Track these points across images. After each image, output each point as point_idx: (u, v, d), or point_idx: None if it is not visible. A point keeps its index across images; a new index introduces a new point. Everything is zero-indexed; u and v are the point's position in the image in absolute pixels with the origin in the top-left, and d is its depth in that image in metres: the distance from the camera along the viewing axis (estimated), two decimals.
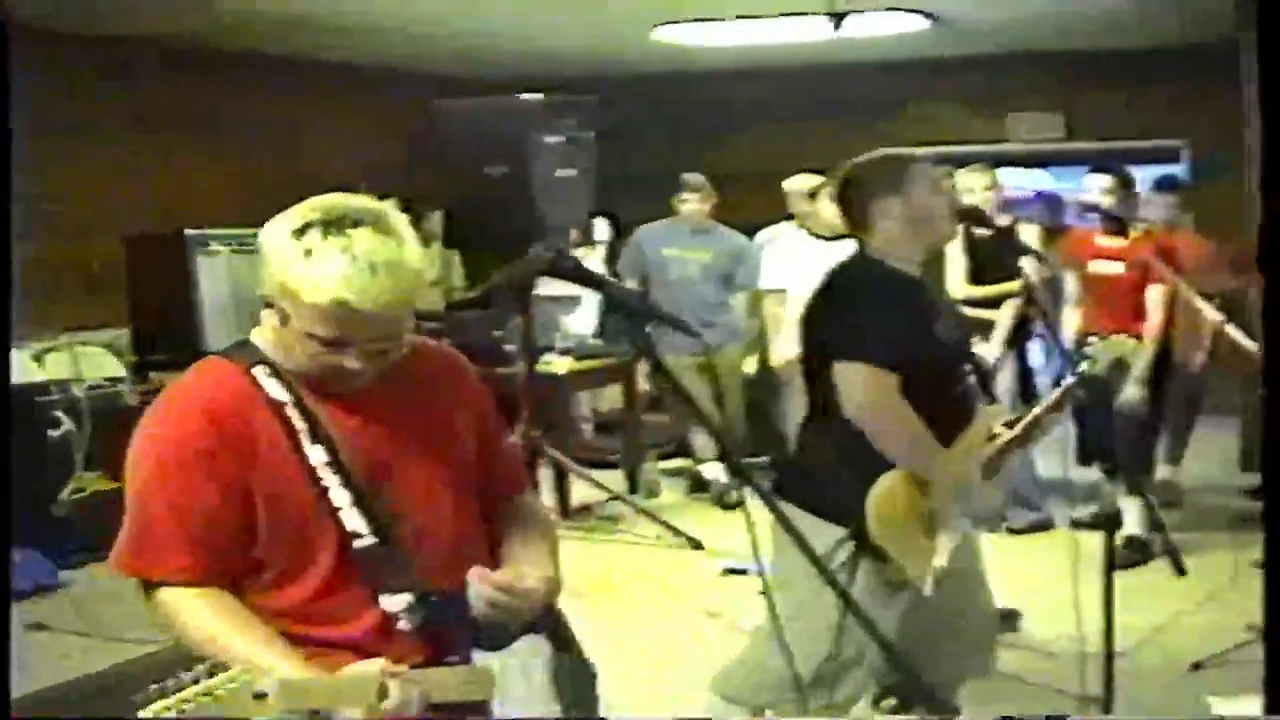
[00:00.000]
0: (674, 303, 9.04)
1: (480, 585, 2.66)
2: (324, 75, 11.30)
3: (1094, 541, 4.18)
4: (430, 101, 7.86)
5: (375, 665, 2.43)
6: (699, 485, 9.45)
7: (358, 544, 2.64)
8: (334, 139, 11.20)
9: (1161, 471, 8.21)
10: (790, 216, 9.67)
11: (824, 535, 3.90)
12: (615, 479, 9.08)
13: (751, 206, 9.89)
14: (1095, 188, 7.74)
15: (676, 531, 8.07)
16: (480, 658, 2.66)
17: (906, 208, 4.11)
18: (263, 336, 2.73)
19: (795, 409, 8.85)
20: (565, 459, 8.56)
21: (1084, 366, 4.41)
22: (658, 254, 9.11)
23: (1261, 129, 2.36)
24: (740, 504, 8.79)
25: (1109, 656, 4.05)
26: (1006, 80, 12.06)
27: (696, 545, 7.95)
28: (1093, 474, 7.89)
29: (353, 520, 2.64)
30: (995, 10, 9.76)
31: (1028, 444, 4.40)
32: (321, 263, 2.52)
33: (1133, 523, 7.29)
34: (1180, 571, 4.05)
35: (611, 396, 10.22)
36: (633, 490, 9.20)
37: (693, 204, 9.18)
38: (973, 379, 4.26)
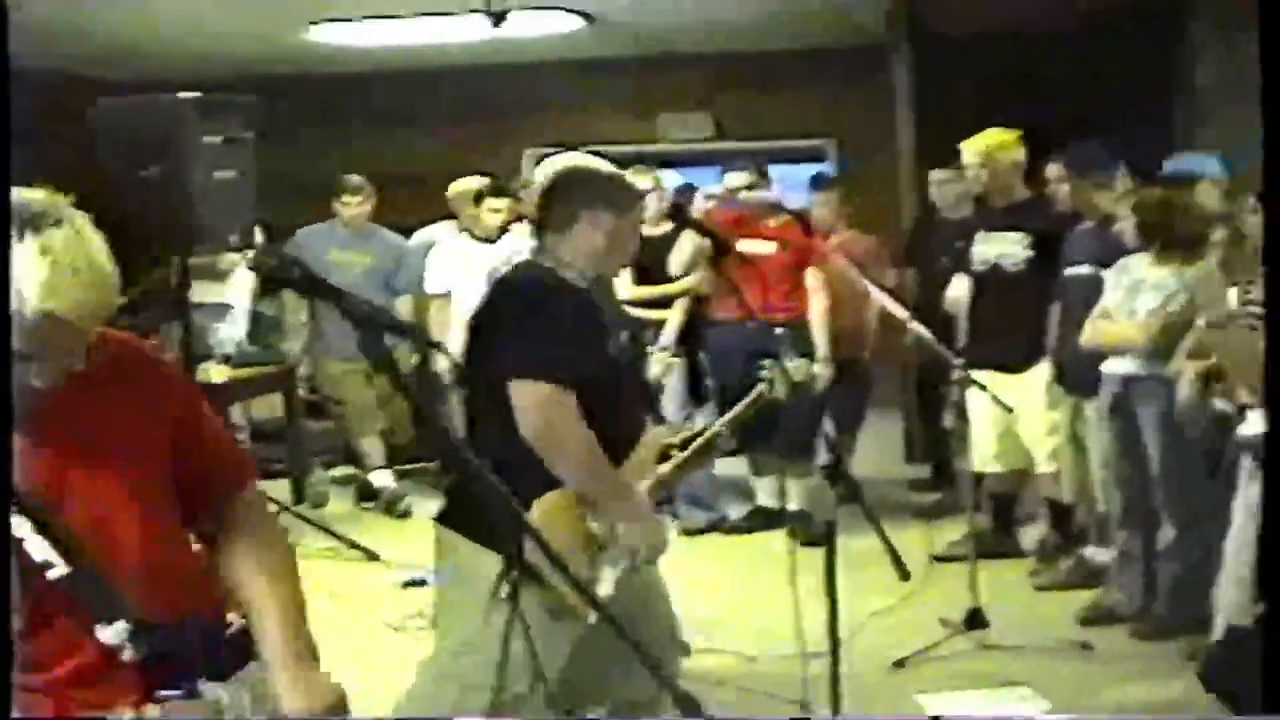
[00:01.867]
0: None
1: None
2: None
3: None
4: (96, 100, 7.39)
5: None
6: (367, 494, 9.23)
7: (51, 574, 2.32)
8: None
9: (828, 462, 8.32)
10: (447, 218, 9.57)
11: (487, 563, 3.60)
12: (279, 490, 8.76)
13: (408, 208, 9.73)
14: (735, 184, 7.94)
15: (352, 544, 7.85)
16: (207, 688, 2.42)
17: (618, 225, 4.00)
18: None
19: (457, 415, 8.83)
20: None
21: (762, 389, 4.37)
22: (319, 258, 8.81)
23: (1263, 129, 2.35)
24: (408, 513, 8.73)
25: (835, 657, 4.02)
26: (657, 81, 12.11)
27: (373, 557, 7.75)
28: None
29: (39, 549, 2.32)
30: (651, 12, 9.81)
31: (702, 463, 4.33)
32: (22, 269, 2.21)
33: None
34: (904, 576, 4.04)
35: (266, 404, 9.91)
36: (299, 500, 8.89)
37: (353, 206, 8.95)
38: (642, 397, 4.19)
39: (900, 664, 5.77)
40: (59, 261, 2.22)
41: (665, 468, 4.14)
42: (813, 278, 7.86)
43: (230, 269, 8.96)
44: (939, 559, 6.83)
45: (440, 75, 11.96)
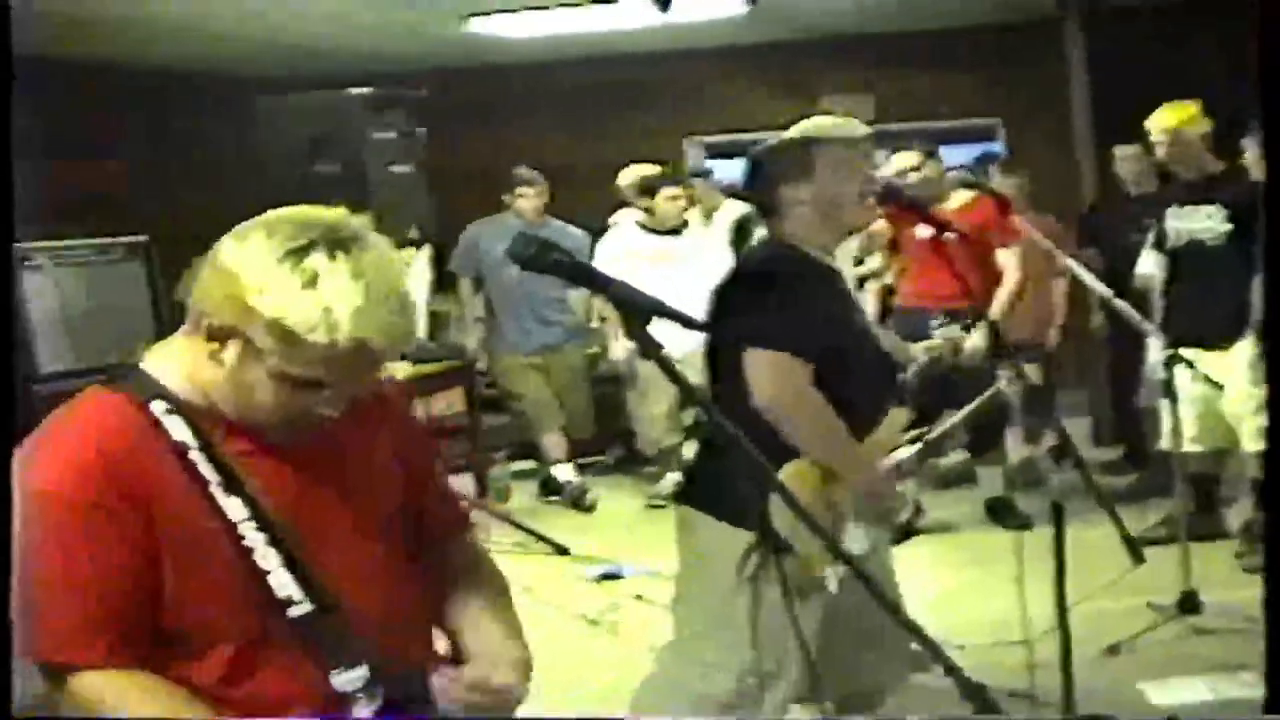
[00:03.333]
0: (511, 302, 8.85)
1: (450, 688, 2.37)
2: (138, 81, 10.76)
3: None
4: (253, 99, 7.43)
5: None
6: (550, 488, 9.21)
7: (293, 611, 2.25)
8: (153, 145, 10.70)
9: (1020, 450, 8.18)
10: (620, 207, 9.54)
11: (733, 542, 3.69)
12: (463, 484, 8.77)
13: (578, 201, 9.70)
14: (905, 165, 7.69)
15: (540, 537, 7.82)
16: None
17: (816, 192, 3.89)
18: (165, 364, 2.30)
19: (642, 403, 8.78)
20: None
21: (999, 386, 4.29)
22: (493, 251, 8.81)
23: (1262, 124, 2.24)
24: (594, 506, 8.72)
25: (1066, 647, 3.88)
26: (818, 64, 11.96)
27: (562, 550, 7.73)
28: None
29: (284, 584, 2.24)
30: None
31: (940, 453, 4.23)
32: (333, 294, 2.11)
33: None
34: (1138, 560, 3.91)
35: (442, 400, 9.95)
36: (481, 495, 8.90)
37: (528, 199, 8.94)
38: (886, 378, 4.08)
39: (1114, 650, 5.62)
40: (373, 288, 2.15)
41: (901, 454, 4.05)
42: (1009, 257, 7.63)
43: (406, 263, 8.98)
44: (1140, 542, 6.62)
45: (597, 62, 11.89)
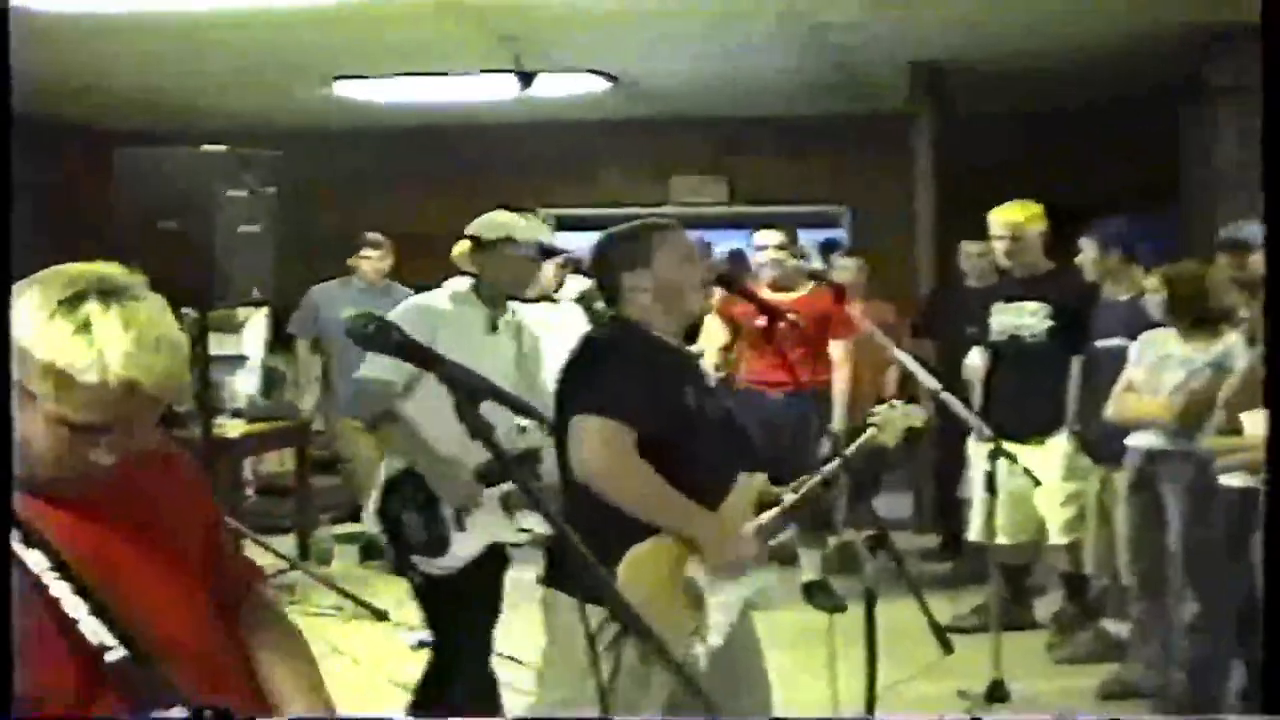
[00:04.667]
0: (347, 366, 8.79)
1: None
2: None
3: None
4: (112, 151, 7.40)
5: None
6: (371, 552, 9.16)
7: (109, 658, 2.25)
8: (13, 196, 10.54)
9: (841, 534, 8.34)
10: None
11: (589, 618, 3.72)
12: (285, 545, 8.72)
13: (422, 267, 9.71)
14: (768, 242, 7.90)
15: (359, 602, 7.77)
16: None
17: (656, 280, 4.01)
18: None
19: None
20: (240, 525, 8.15)
21: (871, 434, 4.35)
22: (332, 314, 8.81)
23: (1262, 131, 2.35)
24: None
25: None
26: (673, 143, 12.14)
27: (381, 616, 7.66)
28: None
29: (93, 631, 2.25)
30: (671, 75, 9.82)
31: (806, 510, 4.30)
32: (106, 337, 2.17)
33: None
34: (947, 650, 4.03)
35: (274, 459, 9.90)
36: (304, 556, 8.84)
37: (372, 262, 8.95)
38: (734, 449, 4.16)
39: None
40: (144, 334, 2.20)
41: (768, 515, 4.07)
42: (838, 349, 7.85)
43: (244, 321, 8.96)
44: (951, 630, 6.78)
45: (457, 131, 11.97)
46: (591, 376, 3.94)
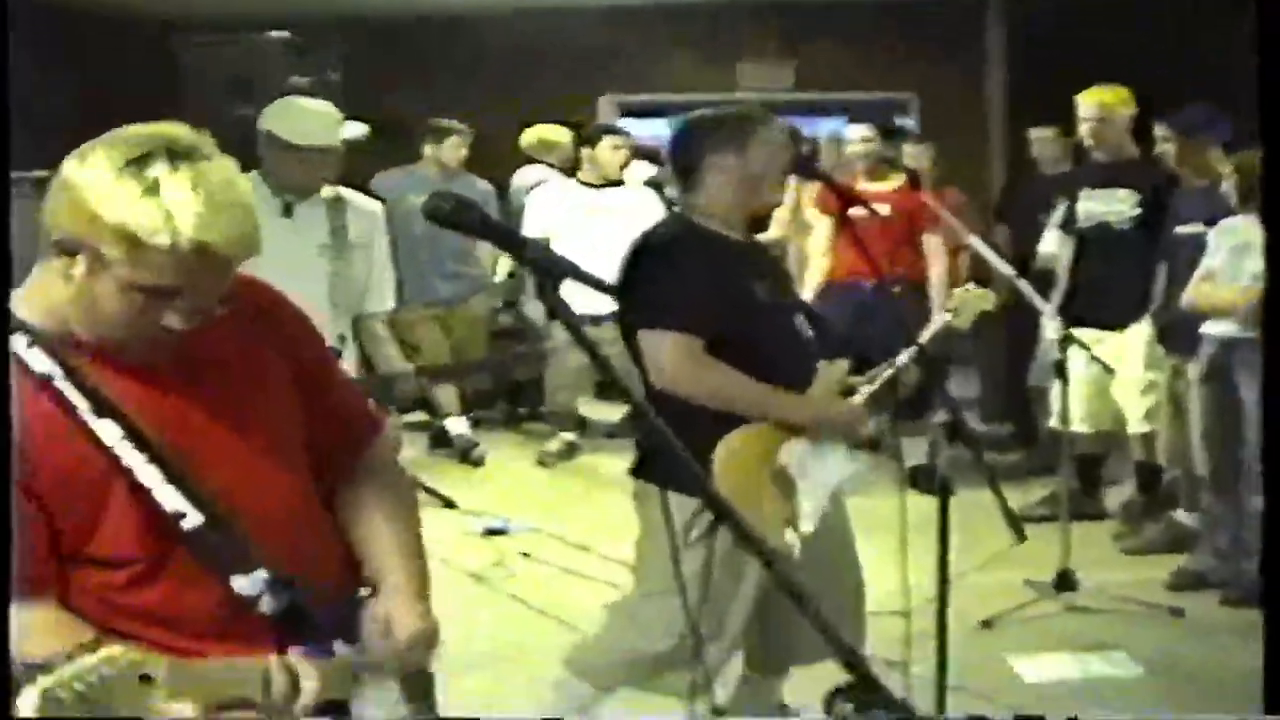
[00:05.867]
0: (416, 253, 8.81)
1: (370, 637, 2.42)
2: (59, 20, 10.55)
3: None
4: (172, 39, 7.38)
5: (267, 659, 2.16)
6: (440, 440, 9.21)
7: (185, 524, 2.25)
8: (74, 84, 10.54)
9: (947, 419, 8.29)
10: (530, 161, 9.56)
11: (680, 510, 3.68)
12: None
13: (487, 154, 9.69)
14: (858, 135, 7.90)
15: (429, 490, 7.79)
16: (340, 648, 2.38)
17: (742, 165, 3.99)
18: (24, 297, 2.30)
19: (552, 362, 8.80)
20: None
21: (947, 319, 4.35)
22: (400, 202, 8.77)
23: (1260, 123, 2.29)
24: (482, 460, 8.73)
25: (943, 621, 3.99)
26: (738, 28, 11.99)
27: (449, 504, 7.71)
28: None
29: (170, 499, 2.25)
30: None
31: (887, 397, 4.28)
32: (175, 199, 2.13)
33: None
34: (1020, 538, 4.02)
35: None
36: None
37: (451, 150, 8.90)
38: (809, 335, 4.14)
39: (988, 624, 5.72)
40: (214, 195, 2.16)
41: (855, 399, 4.11)
42: (932, 242, 7.86)
43: None
44: (1022, 519, 6.75)
45: (517, 17, 11.83)
46: (654, 284, 3.93)
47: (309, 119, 4.84)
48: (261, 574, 2.31)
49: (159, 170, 2.15)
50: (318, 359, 2.64)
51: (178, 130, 2.24)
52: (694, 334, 3.83)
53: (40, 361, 2.24)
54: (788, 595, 2.35)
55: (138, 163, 2.15)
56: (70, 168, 2.20)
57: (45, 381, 2.24)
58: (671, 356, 3.82)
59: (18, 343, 2.25)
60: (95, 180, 2.15)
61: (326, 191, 4.86)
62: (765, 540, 3.53)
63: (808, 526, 3.93)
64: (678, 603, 3.50)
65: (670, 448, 2.33)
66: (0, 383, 2.17)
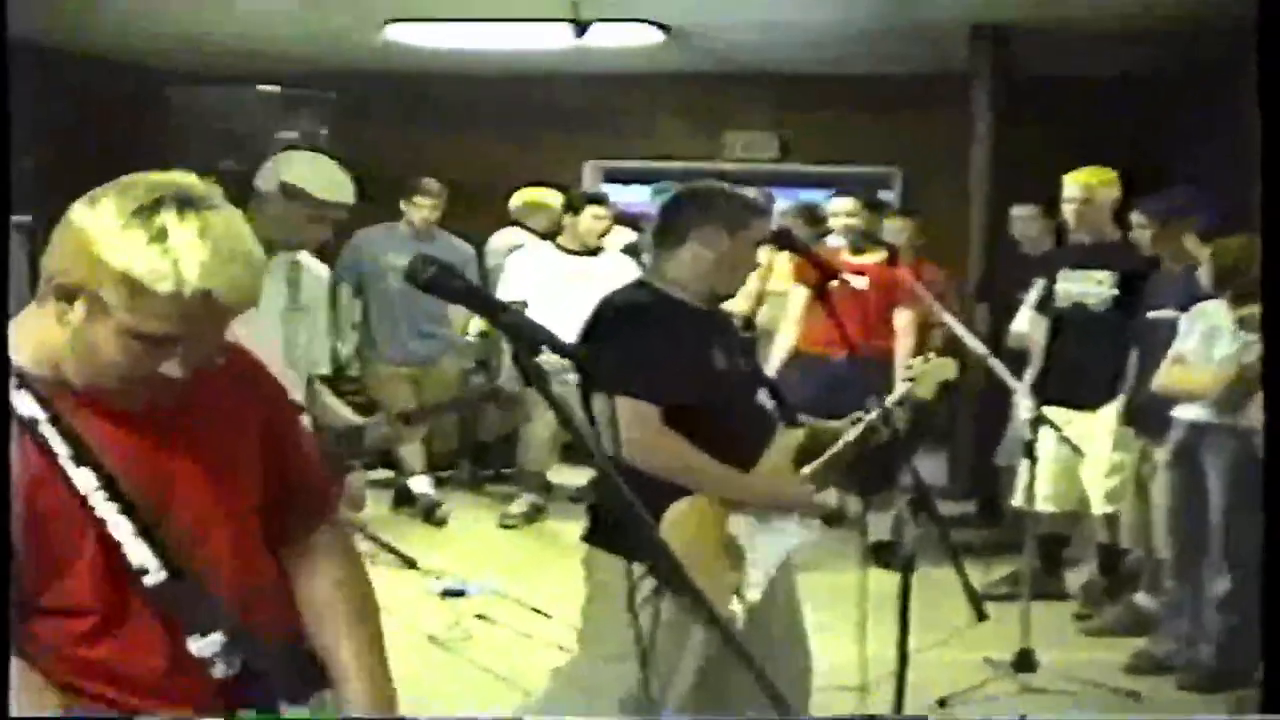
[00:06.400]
0: (390, 312, 8.84)
1: None
2: (59, 64, 10.58)
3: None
4: (164, 88, 7.42)
5: None
6: (403, 499, 9.20)
7: (148, 580, 2.26)
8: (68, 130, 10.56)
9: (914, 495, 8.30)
10: (513, 224, 9.60)
11: (624, 575, 3.73)
12: None
13: (466, 214, 9.73)
14: (841, 209, 7.96)
15: (390, 549, 7.79)
16: (286, 709, 2.39)
17: (728, 249, 4.03)
18: (18, 338, 2.29)
19: (525, 426, 8.81)
20: None
21: (908, 387, 4.37)
22: (378, 260, 8.81)
23: (1261, 131, 2.33)
24: (445, 520, 8.72)
25: (900, 698, 4.00)
26: (727, 97, 12.05)
27: (410, 564, 7.70)
28: None
29: (137, 553, 2.25)
30: (728, 28, 9.73)
31: (847, 463, 4.30)
32: (181, 246, 2.13)
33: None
34: (981, 616, 4.04)
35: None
36: None
37: (424, 209, 8.92)
38: (769, 402, 4.17)
39: (944, 702, 5.70)
40: (220, 244, 2.17)
41: (811, 466, 4.11)
42: (902, 318, 7.87)
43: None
44: (983, 597, 6.77)
45: (510, 81, 11.87)
46: (614, 348, 3.93)
47: (332, 173, 4.82)
48: (218, 637, 2.31)
49: (167, 218, 2.16)
50: (288, 425, 2.65)
51: (187, 179, 2.26)
52: (652, 402, 3.84)
53: (26, 405, 2.24)
54: (735, 656, 2.37)
55: (146, 210, 2.16)
56: (77, 212, 2.21)
57: (30, 424, 2.24)
58: (629, 423, 3.78)
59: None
60: (102, 225, 2.16)
61: (283, 254, 4.81)
62: (711, 603, 3.58)
63: (754, 595, 3.92)
64: (624, 668, 3.52)
65: (625, 509, 2.34)
66: (1, 382, 2.18)
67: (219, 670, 2.31)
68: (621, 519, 2.35)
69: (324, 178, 4.75)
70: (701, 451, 3.90)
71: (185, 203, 2.18)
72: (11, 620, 2.21)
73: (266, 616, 2.45)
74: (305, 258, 4.91)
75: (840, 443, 4.17)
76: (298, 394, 4.65)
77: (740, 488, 3.98)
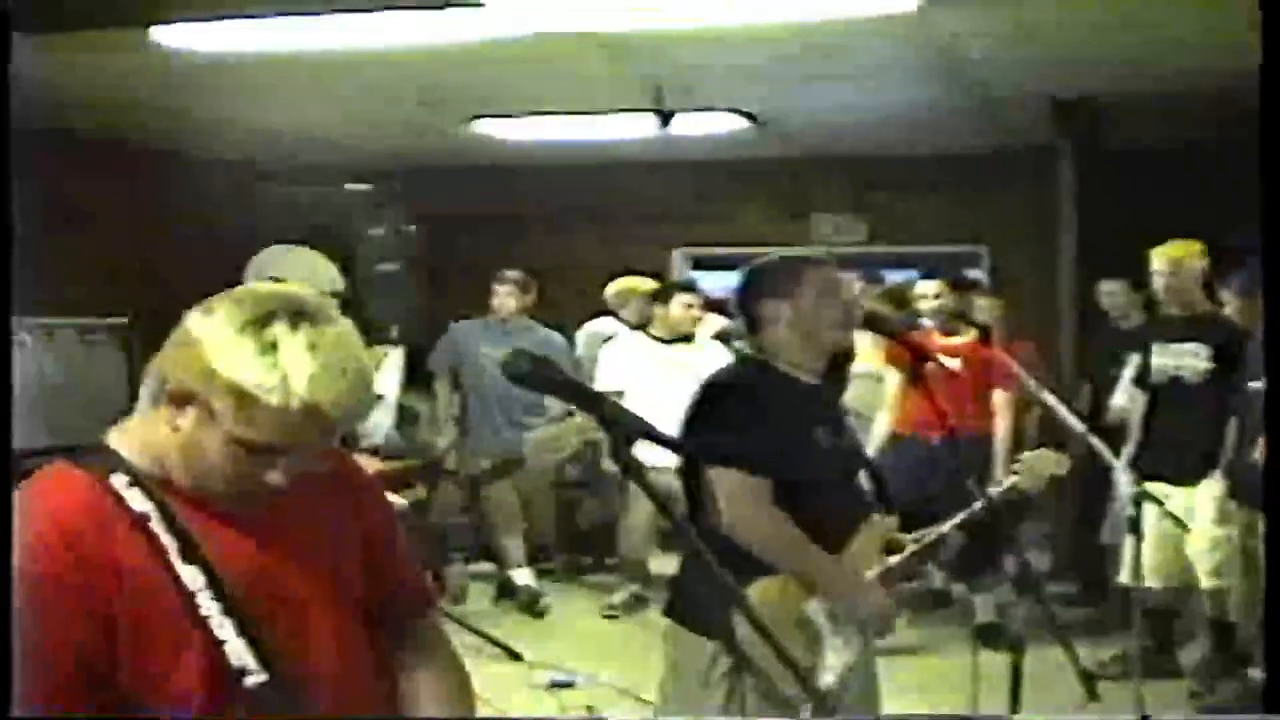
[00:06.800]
0: (487, 403, 8.90)
1: None
2: (151, 163, 10.81)
3: None
4: (256, 186, 7.55)
5: None
6: (504, 591, 9.20)
7: (248, 681, 2.25)
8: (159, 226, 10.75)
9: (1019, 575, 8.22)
10: (605, 313, 9.64)
11: (701, 651, 3.78)
12: None
13: (565, 300, 9.80)
14: (928, 291, 7.96)
15: (495, 641, 7.80)
16: None
17: (795, 311, 4.01)
18: (125, 439, 2.33)
19: (624, 516, 8.80)
20: None
21: (1014, 480, 4.33)
22: (473, 351, 8.90)
23: (1260, 143, 2.31)
24: (545, 612, 8.71)
25: None
26: (812, 182, 12.09)
27: (516, 656, 7.69)
28: None
29: (239, 653, 2.25)
30: (810, 113, 9.77)
31: (929, 558, 4.27)
32: (291, 360, 2.17)
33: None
34: (1093, 697, 3.96)
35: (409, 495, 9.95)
36: (439, 594, 8.88)
37: (506, 298, 8.99)
38: (866, 487, 4.14)
39: None
40: (330, 357, 2.20)
41: (895, 559, 4.09)
42: (1001, 397, 7.89)
43: (381, 359, 9.04)
44: (1095, 677, 6.65)
45: (596, 172, 11.96)
46: (719, 421, 3.95)
47: (315, 264, 4.91)
48: None
49: (279, 330, 2.19)
50: (385, 524, 2.66)
51: (302, 292, 2.29)
52: (759, 474, 3.85)
53: (138, 501, 2.27)
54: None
55: (259, 321, 2.19)
56: (193, 320, 2.25)
57: (141, 521, 2.26)
58: (733, 497, 3.82)
59: (117, 480, 2.28)
60: (216, 335, 2.20)
61: None
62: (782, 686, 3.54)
63: (829, 679, 3.89)
64: None
65: (714, 581, 2.36)
66: (1, 382, 2.19)
67: None
68: (709, 592, 2.34)
69: (306, 269, 4.85)
70: (801, 534, 3.89)
71: (298, 315, 2.21)
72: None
73: (368, 711, 2.47)
74: None
75: (924, 541, 4.14)
76: None
77: (829, 580, 3.94)
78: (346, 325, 2.28)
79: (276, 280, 4.78)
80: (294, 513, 2.40)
